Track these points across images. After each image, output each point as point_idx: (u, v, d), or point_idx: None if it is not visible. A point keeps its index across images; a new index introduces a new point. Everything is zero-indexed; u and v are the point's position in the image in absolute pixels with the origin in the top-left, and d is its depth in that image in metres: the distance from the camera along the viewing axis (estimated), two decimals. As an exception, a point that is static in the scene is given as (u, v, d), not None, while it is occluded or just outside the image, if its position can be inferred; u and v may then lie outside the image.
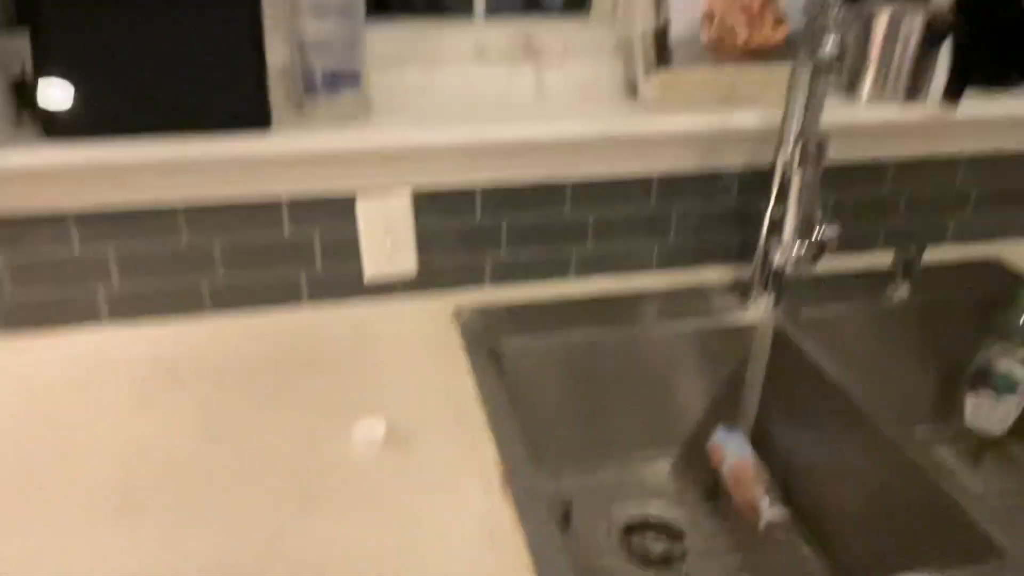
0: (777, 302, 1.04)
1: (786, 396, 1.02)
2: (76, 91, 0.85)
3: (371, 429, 0.78)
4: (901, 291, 1.09)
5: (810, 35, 0.84)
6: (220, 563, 0.64)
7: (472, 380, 0.88)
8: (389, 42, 1.05)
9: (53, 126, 0.86)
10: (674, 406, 1.07)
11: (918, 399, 1.15)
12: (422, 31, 1.07)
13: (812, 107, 0.89)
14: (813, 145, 0.86)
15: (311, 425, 0.81)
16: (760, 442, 1.05)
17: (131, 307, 0.97)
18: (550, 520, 0.69)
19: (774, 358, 1.04)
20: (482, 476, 0.74)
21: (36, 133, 0.87)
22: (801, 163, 0.88)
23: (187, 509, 0.70)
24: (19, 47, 0.90)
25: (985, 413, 1.08)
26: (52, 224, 0.91)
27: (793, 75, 0.90)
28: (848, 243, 1.18)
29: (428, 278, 1.05)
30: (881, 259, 1.15)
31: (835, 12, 0.80)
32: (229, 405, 0.84)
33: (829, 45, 0.78)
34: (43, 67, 0.84)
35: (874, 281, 1.11)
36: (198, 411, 0.83)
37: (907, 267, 1.09)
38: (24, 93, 0.90)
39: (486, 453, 0.77)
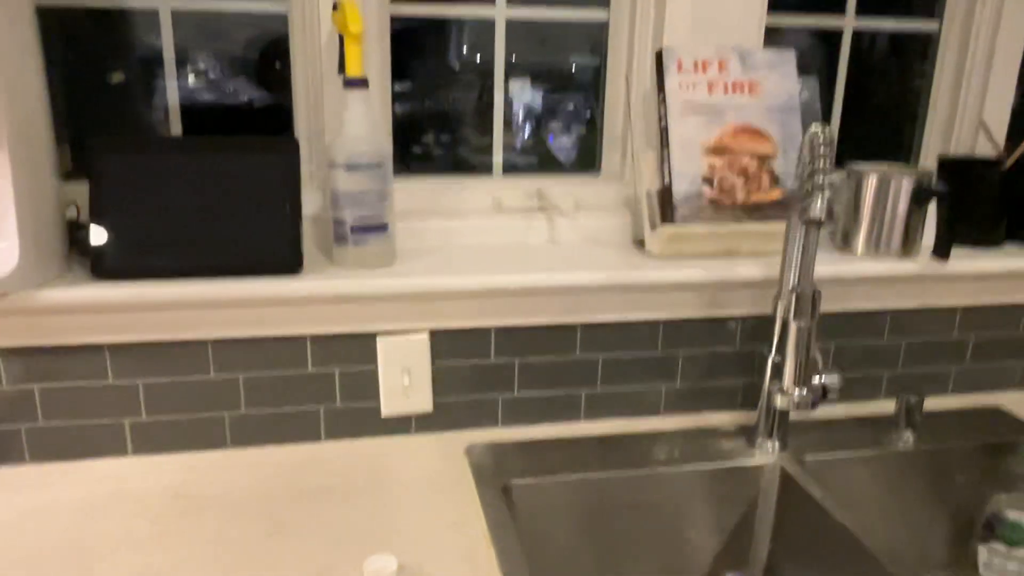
0: (783, 446, 1.06)
1: (796, 540, 1.02)
2: (124, 235, 0.93)
3: (383, 565, 0.79)
4: (905, 438, 1.11)
5: (801, 196, 0.91)
6: None
7: (483, 518, 0.90)
8: (415, 195, 1.15)
9: (101, 266, 0.93)
10: (684, 548, 1.07)
11: (930, 547, 1.15)
12: (445, 186, 1.16)
13: (805, 261, 0.95)
14: (807, 297, 0.92)
15: (324, 558, 0.82)
16: (771, 590, 1.04)
17: (155, 439, 1.01)
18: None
19: (782, 501, 1.04)
20: (491, 614, 0.75)
21: (84, 271, 0.94)
22: (796, 313, 0.93)
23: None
24: (75, 193, 0.99)
25: (999, 565, 1.07)
26: (88, 355, 0.96)
27: (788, 231, 0.97)
28: (851, 391, 1.21)
29: (442, 416, 1.09)
30: (884, 407, 1.18)
31: (824, 176, 0.87)
32: (244, 536, 0.85)
33: (818, 206, 0.85)
34: (96, 213, 0.93)
35: (879, 428, 1.13)
36: (214, 541, 0.84)
37: (909, 415, 1.11)
38: (76, 235, 0.98)
39: (495, 590, 0.78)
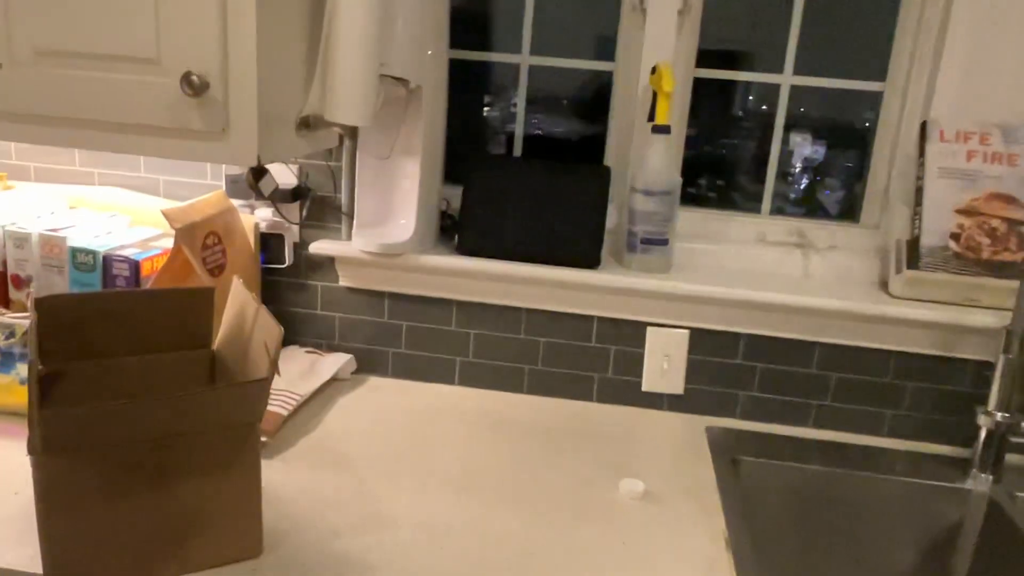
0: (997, 480, 1.18)
1: (993, 565, 1.14)
2: (477, 226, 1.30)
3: (633, 484, 1.07)
4: None
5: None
6: (515, 540, 0.96)
7: (712, 476, 1.14)
8: (692, 221, 1.41)
9: (461, 244, 1.31)
10: (881, 554, 1.22)
11: None
12: (717, 217, 1.42)
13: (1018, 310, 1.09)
14: (1018, 335, 1.06)
15: (588, 475, 1.11)
16: (966, 605, 1.17)
17: (476, 376, 1.37)
18: (761, 573, 0.91)
19: (986, 530, 1.16)
20: (711, 533, 0.99)
21: (448, 248, 1.33)
22: (1007, 349, 1.07)
23: (497, 504, 1.03)
24: (447, 192, 1.39)
25: None
26: (442, 306, 1.35)
27: (1021, 286, 1.11)
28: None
29: (691, 400, 1.34)
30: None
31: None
32: (531, 450, 1.17)
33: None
34: (465, 209, 1.31)
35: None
36: (509, 450, 1.17)
37: None
38: (444, 222, 1.38)
39: (717, 520, 1.02)
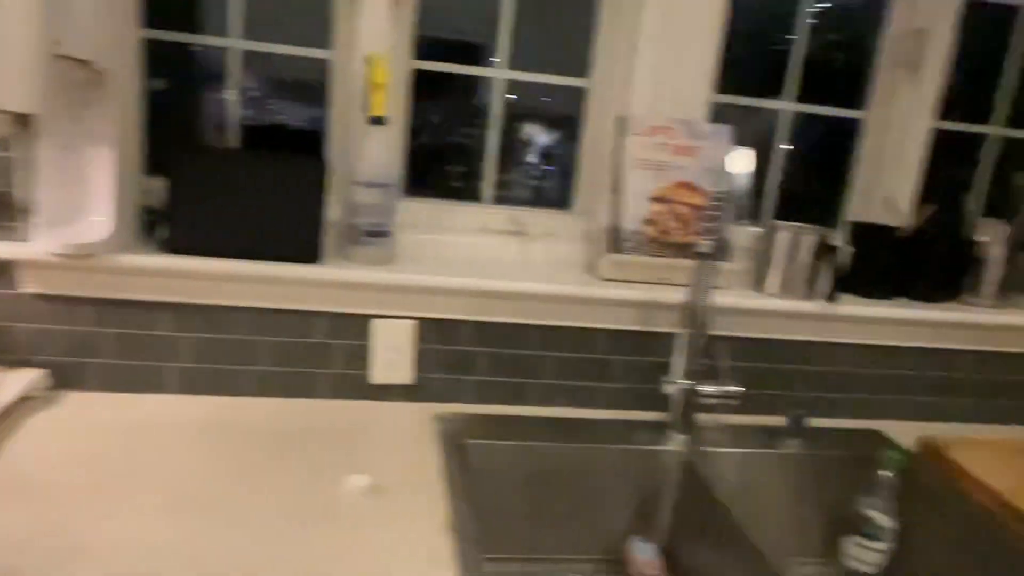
0: (691, 441, 1.32)
1: (691, 517, 1.27)
2: (186, 221, 1.21)
3: (358, 480, 1.06)
4: (792, 445, 1.36)
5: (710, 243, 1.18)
6: (236, 555, 0.91)
7: (440, 461, 1.16)
8: (417, 213, 1.42)
9: (169, 243, 1.21)
10: (601, 512, 1.32)
11: (808, 537, 1.39)
12: (441, 208, 1.44)
13: (702, 289, 1.23)
14: (698, 312, 1.19)
15: (310, 475, 1.09)
16: (670, 553, 1.30)
17: (193, 383, 1.28)
18: (479, 556, 0.95)
19: (683, 484, 1.30)
20: (435, 519, 1.01)
21: (153, 246, 1.23)
22: (690, 324, 1.20)
23: (216, 519, 0.97)
24: (151, 186, 1.28)
25: (859, 556, 1.31)
26: (151, 309, 1.24)
27: (696, 267, 1.25)
28: (755, 404, 1.46)
29: (421, 389, 1.36)
30: (781, 421, 1.44)
31: (717, 223, 1.15)
32: (253, 455, 1.12)
33: (706, 243, 1.13)
34: (170, 204, 1.21)
35: (772, 435, 1.39)
36: (232, 459, 1.11)
37: (797, 426, 1.37)
38: (151, 219, 1.27)
39: (441, 505, 1.04)
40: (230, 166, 1.23)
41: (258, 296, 1.26)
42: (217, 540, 0.93)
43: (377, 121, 1.26)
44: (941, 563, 1.27)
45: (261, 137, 1.44)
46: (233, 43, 1.35)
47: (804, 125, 1.60)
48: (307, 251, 1.25)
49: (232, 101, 1.38)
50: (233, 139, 1.40)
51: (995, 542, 1.18)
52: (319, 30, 1.37)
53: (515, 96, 1.49)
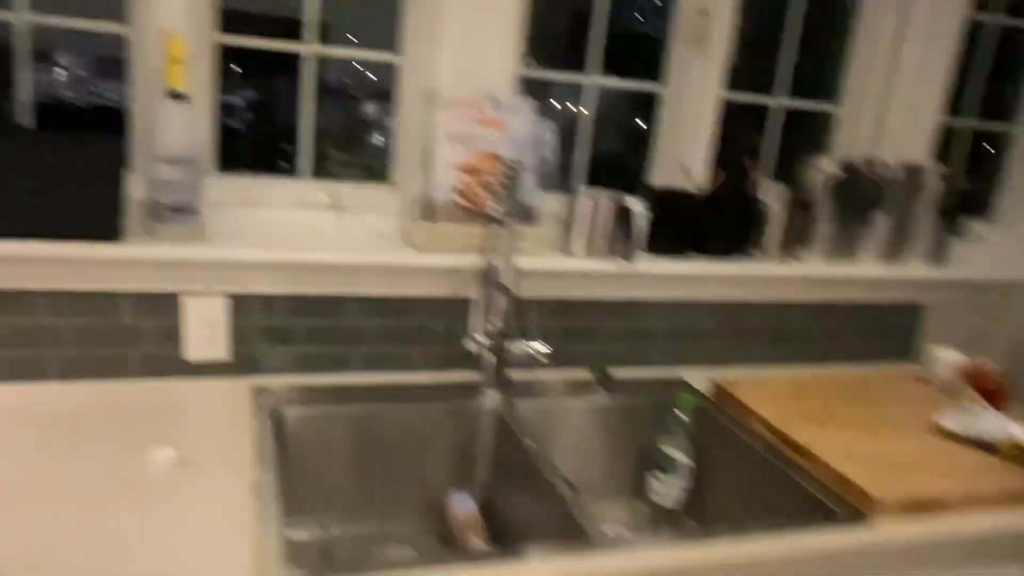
0: (503, 396, 1.40)
1: (506, 467, 1.36)
2: (-25, 202, 1.17)
3: (166, 455, 1.07)
4: (599, 395, 1.47)
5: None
6: (38, 545, 0.91)
7: (254, 432, 1.18)
8: (231, 188, 1.42)
9: (-48, 226, 1.16)
10: (422, 469, 1.38)
11: (617, 479, 1.51)
12: (258, 184, 1.45)
13: (503, 253, 1.31)
14: (496, 274, 1.27)
15: (124, 456, 1.09)
16: (488, 503, 1.38)
17: (-9, 370, 1.25)
18: (280, 517, 0.98)
19: (497, 439, 1.38)
20: (242, 490, 1.04)
21: (-62, 230, 1.17)
22: (496, 290, 1.27)
23: (17, 512, 0.96)
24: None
25: (661, 491, 1.44)
26: (-63, 299, 1.19)
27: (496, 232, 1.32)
28: (565, 360, 1.56)
29: (238, 364, 1.37)
30: (587, 375, 1.55)
31: (507, 190, 1.23)
32: (60, 444, 1.11)
33: (495, 207, 1.21)
34: (-47, 183, 1.16)
35: (580, 388, 1.49)
36: (34, 447, 1.09)
37: (603, 379, 1.48)
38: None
39: (248, 475, 1.07)
40: (18, 145, 1.19)
41: (56, 278, 1.23)
42: (18, 531, 0.92)
43: (177, 96, 1.25)
44: (732, 492, 1.41)
45: (63, 116, 1.39)
46: (18, 17, 1.30)
47: (612, 97, 1.71)
48: (106, 229, 1.23)
49: (26, 79, 1.33)
50: (29, 119, 1.35)
51: (768, 465, 1.32)
52: (117, 3, 1.34)
53: (347, 80, 1.51)
